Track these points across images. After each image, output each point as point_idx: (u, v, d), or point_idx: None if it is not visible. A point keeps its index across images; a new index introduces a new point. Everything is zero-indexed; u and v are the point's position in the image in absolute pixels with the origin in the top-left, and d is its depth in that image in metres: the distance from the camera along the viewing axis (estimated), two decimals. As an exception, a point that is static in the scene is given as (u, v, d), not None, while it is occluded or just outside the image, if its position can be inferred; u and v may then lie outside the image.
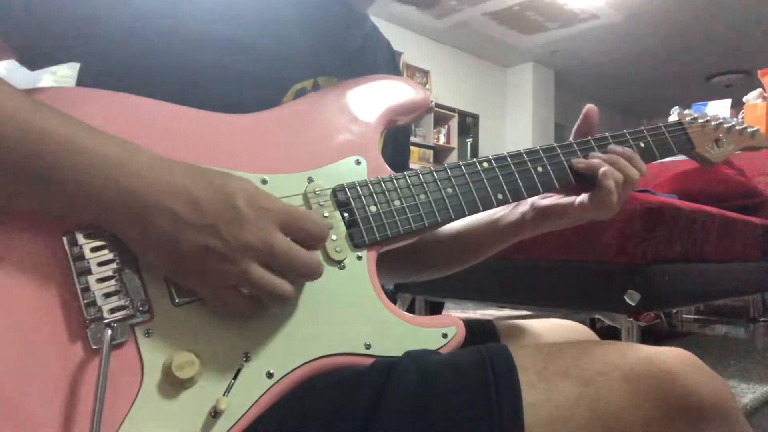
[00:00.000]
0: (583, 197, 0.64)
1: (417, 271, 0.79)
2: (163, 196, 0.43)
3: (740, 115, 3.41)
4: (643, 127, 0.70)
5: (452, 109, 6.60)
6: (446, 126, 6.58)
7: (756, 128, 0.82)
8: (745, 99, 3.39)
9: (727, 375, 1.88)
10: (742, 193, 2.45)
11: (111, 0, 0.53)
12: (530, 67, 7.18)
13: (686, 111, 0.76)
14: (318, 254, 0.50)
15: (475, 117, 7.00)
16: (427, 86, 6.32)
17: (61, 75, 3.38)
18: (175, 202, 0.43)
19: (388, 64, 0.80)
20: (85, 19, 0.52)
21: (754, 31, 5.97)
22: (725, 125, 0.78)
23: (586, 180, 0.64)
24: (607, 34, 6.19)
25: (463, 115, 6.79)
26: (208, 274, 0.43)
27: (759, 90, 3.36)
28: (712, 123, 0.76)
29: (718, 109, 3.46)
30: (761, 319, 3.19)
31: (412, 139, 5.96)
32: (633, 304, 1.50)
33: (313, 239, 0.47)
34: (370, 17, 0.74)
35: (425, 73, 6.33)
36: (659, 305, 1.73)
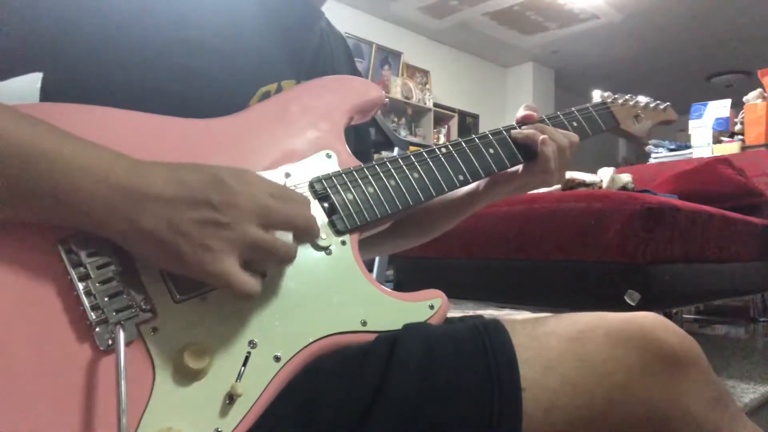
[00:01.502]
0: (527, 165, 0.72)
1: (396, 244, 0.87)
2: (153, 186, 0.44)
3: (740, 115, 3.41)
4: (573, 108, 0.79)
5: (452, 109, 6.60)
6: (446, 126, 6.58)
7: (667, 104, 0.94)
8: (745, 99, 3.39)
9: (727, 375, 1.88)
10: (742, 193, 2.45)
11: (75, 9, 0.54)
12: (530, 67, 7.18)
13: (606, 93, 0.86)
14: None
15: (475, 117, 7.00)
16: (427, 86, 6.32)
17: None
18: (165, 187, 0.44)
19: (345, 56, 0.86)
20: (51, 29, 0.53)
21: (754, 31, 5.97)
22: (641, 103, 0.89)
23: (532, 157, 0.71)
24: (607, 34, 6.19)
25: (463, 115, 6.79)
26: (211, 248, 0.43)
27: (759, 90, 3.36)
28: (630, 101, 0.87)
29: (718, 109, 3.46)
30: (761, 319, 3.19)
31: (413, 139, 5.96)
32: (633, 304, 1.50)
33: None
34: (324, 14, 0.78)
35: (425, 73, 6.33)
36: (659, 305, 1.73)
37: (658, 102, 0.92)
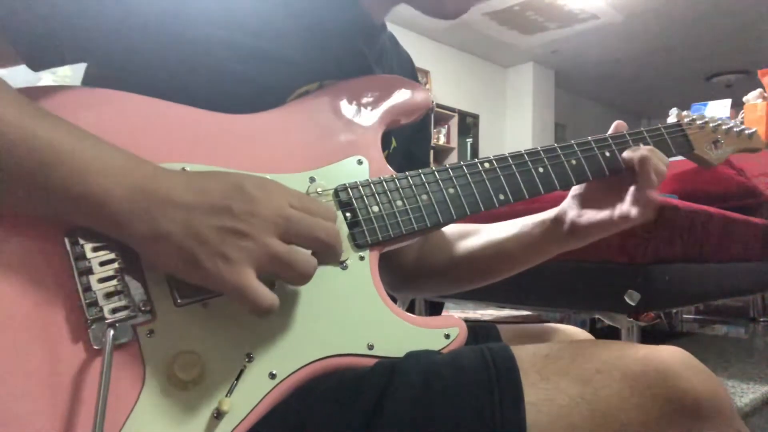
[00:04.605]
0: (621, 210, 0.63)
1: (454, 286, 0.79)
2: (173, 191, 0.43)
3: (740, 115, 3.41)
4: (642, 129, 0.70)
5: (452, 109, 6.60)
6: (446, 126, 6.58)
7: (754, 129, 0.81)
8: (745, 99, 3.39)
9: (727, 375, 1.88)
10: (742, 193, 2.45)
11: (118, 6, 0.53)
12: (530, 67, 7.18)
13: (684, 112, 0.76)
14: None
15: (475, 117, 7.00)
16: (427, 86, 6.32)
17: (61, 74, 3.39)
18: (185, 193, 0.43)
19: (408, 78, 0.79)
20: (92, 23, 0.53)
21: (754, 31, 5.97)
22: (723, 126, 0.77)
23: (588, 179, 0.64)
24: (607, 34, 6.19)
25: (463, 115, 6.79)
26: (229, 258, 0.42)
27: (759, 90, 3.36)
28: (711, 124, 0.76)
29: (718, 109, 3.46)
30: (761, 319, 3.19)
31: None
32: (633, 304, 1.50)
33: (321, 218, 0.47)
34: (387, 29, 0.74)
35: (425, 73, 6.33)
36: (659, 305, 1.73)
37: (744, 127, 0.80)
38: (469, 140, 6.96)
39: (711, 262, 1.89)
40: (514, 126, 7.29)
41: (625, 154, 0.65)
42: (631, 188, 0.63)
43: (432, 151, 6.33)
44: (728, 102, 3.50)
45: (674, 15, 5.68)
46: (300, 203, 0.46)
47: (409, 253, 0.75)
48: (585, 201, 0.68)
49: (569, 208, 0.68)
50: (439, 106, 6.40)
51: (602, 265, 1.59)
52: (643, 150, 0.64)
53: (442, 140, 6.51)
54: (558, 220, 0.68)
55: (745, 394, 1.65)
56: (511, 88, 7.38)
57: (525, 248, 0.71)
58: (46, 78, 3.53)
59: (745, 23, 5.80)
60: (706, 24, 5.85)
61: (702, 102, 3.60)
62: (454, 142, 6.56)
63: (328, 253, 0.47)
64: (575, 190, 0.69)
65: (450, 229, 0.78)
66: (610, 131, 0.68)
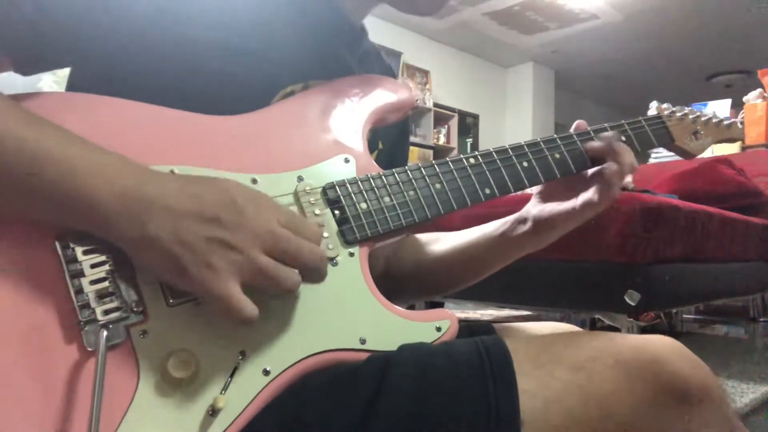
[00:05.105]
0: (584, 196, 0.64)
1: (424, 294, 0.80)
2: (164, 196, 0.43)
3: (740, 115, 3.41)
4: (623, 121, 0.71)
5: (452, 109, 6.60)
6: (446, 126, 6.58)
7: (732, 120, 0.83)
8: (745, 99, 3.39)
9: (727, 375, 1.88)
10: (742, 193, 2.45)
11: (107, 10, 0.53)
12: (530, 67, 7.18)
13: (664, 105, 0.78)
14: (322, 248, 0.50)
15: (475, 117, 7.00)
16: (427, 86, 6.32)
17: (62, 75, 3.39)
18: (175, 199, 0.43)
19: None
20: (80, 26, 0.53)
21: (754, 31, 5.97)
22: (702, 118, 0.80)
23: (571, 172, 0.65)
24: (607, 34, 6.18)
25: (463, 115, 6.79)
26: (215, 267, 0.42)
27: (759, 90, 3.36)
28: (690, 116, 0.78)
29: (718, 109, 3.46)
30: (761, 319, 3.20)
31: (412, 139, 5.95)
32: (633, 304, 1.50)
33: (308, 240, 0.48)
34: (368, 37, 0.75)
35: (425, 73, 6.33)
36: (659, 305, 1.74)
37: (723, 118, 0.82)
38: (469, 140, 6.96)
39: (711, 262, 1.89)
40: (514, 126, 7.29)
41: (591, 144, 0.66)
42: (597, 174, 0.64)
43: (432, 151, 6.32)
44: (728, 102, 3.50)
45: (674, 15, 5.68)
46: (288, 221, 0.47)
47: (376, 263, 0.76)
48: (547, 198, 0.69)
49: (531, 206, 0.69)
50: (439, 106, 6.39)
51: (602, 265, 1.59)
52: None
53: (442, 140, 6.50)
54: (520, 219, 0.69)
55: (745, 394, 1.64)
56: (511, 88, 7.37)
57: (489, 251, 0.71)
58: (47, 79, 3.54)
59: (745, 23, 5.80)
60: (706, 24, 5.85)
61: (702, 102, 3.60)
62: (454, 142, 6.55)
63: (311, 273, 0.48)
64: (538, 188, 0.69)
65: (415, 237, 0.79)
66: (572, 128, 0.69)
